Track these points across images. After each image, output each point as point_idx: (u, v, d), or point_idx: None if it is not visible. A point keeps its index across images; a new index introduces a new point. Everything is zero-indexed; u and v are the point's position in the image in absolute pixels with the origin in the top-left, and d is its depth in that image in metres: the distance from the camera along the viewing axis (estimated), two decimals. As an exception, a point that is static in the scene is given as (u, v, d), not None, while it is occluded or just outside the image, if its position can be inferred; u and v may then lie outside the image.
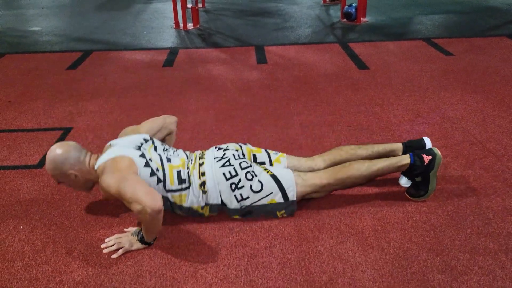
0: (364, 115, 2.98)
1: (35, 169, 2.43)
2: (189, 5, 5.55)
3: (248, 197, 1.92)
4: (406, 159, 2.01)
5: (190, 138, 2.70)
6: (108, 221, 2.00)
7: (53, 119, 3.04)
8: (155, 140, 2.04)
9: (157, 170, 1.86)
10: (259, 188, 1.92)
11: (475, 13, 5.96)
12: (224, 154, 1.99)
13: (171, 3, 5.52)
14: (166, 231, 1.93)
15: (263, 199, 1.93)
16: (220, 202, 1.93)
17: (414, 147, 2.18)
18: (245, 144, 2.14)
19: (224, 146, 2.08)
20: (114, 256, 1.79)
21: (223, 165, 1.94)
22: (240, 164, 1.96)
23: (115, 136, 2.10)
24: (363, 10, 5.57)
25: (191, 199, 1.90)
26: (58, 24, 5.90)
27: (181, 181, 1.89)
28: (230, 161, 1.95)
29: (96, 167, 1.85)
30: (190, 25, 5.54)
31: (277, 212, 1.97)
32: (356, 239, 1.86)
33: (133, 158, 1.82)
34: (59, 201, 2.15)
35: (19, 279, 1.69)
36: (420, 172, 2.01)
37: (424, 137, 2.23)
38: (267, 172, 1.97)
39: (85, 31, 5.50)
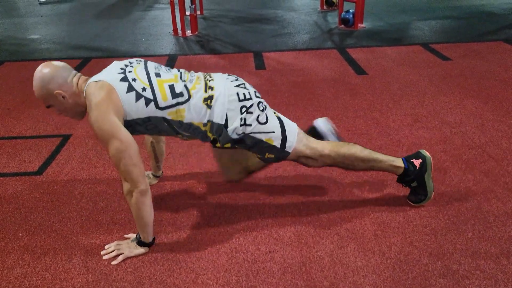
0: (363, 120, 2.98)
1: (34, 176, 2.43)
2: (188, 12, 5.57)
3: (250, 125, 1.82)
4: (400, 162, 2.00)
5: (189, 144, 2.70)
6: (108, 228, 2.00)
7: (52, 126, 3.04)
8: (149, 61, 1.88)
9: (144, 89, 1.72)
10: (265, 120, 1.85)
11: (471, 18, 5.99)
12: (238, 79, 1.91)
13: (170, 10, 5.54)
14: (166, 237, 1.92)
15: (263, 134, 1.84)
16: (224, 122, 1.79)
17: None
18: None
19: (234, 77, 1.95)
20: (114, 262, 1.78)
21: (238, 86, 1.85)
22: (255, 92, 1.88)
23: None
24: (361, 16, 5.60)
25: (191, 115, 1.76)
26: (57, 32, 5.91)
27: (175, 95, 1.75)
28: (245, 85, 1.88)
29: (84, 90, 1.73)
30: (188, 32, 5.56)
31: (266, 153, 1.90)
32: (357, 243, 1.85)
33: (112, 85, 1.68)
34: (59, 208, 2.14)
35: (18, 287, 1.68)
36: (414, 177, 2.00)
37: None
38: (275, 114, 1.93)
39: (84, 38, 5.51)
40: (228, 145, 1.86)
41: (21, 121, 3.14)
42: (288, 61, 4.35)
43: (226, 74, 1.93)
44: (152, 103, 1.72)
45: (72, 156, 2.63)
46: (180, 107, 1.75)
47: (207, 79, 1.84)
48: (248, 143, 1.85)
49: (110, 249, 1.84)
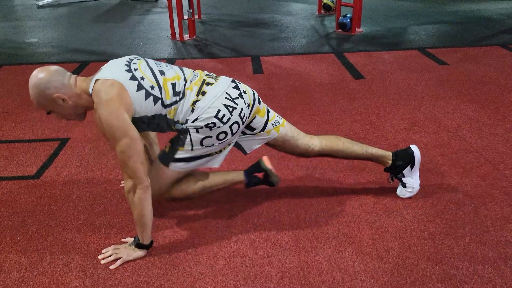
0: (361, 124, 2.99)
1: (32, 179, 2.42)
2: (185, 17, 5.58)
3: (198, 132, 1.80)
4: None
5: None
6: (105, 232, 1.99)
7: (50, 129, 3.04)
8: (147, 58, 1.89)
9: (152, 88, 1.74)
10: (207, 144, 1.84)
11: (468, 23, 6.02)
12: (237, 99, 1.84)
13: (168, 14, 5.55)
14: (164, 241, 1.92)
15: (189, 142, 1.83)
16: (188, 117, 1.79)
17: (401, 155, 2.13)
18: (259, 102, 1.99)
19: (242, 88, 1.91)
20: (112, 267, 1.78)
21: (226, 105, 1.80)
22: (236, 122, 1.83)
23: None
24: (358, 20, 5.62)
25: (180, 113, 1.79)
26: (55, 36, 5.91)
27: (175, 93, 1.78)
28: (234, 111, 1.82)
29: (90, 90, 1.71)
30: (186, 36, 5.57)
31: (175, 147, 1.88)
32: (355, 248, 1.85)
33: (123, 83, 1.69)
34: (56, 212, 2.14)
35: (15, 291, 1.68)
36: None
37: (411, 145, 2.16)
38: (223, 152, 1.93)
39: (82, 42, 5.51)
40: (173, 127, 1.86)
41: (19, 124, 3.13)
42: (286, 65, 4.36)
43: (231, 84, 1.89)
44: (160, 101, 1.76)
45: (69, 160, 2.62)
46: (176, 105, 1.79)
47: (207, 83, 1.84)
48: (180, 132, 1.84)
49: (107, 253, 1.83)
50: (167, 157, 1.88)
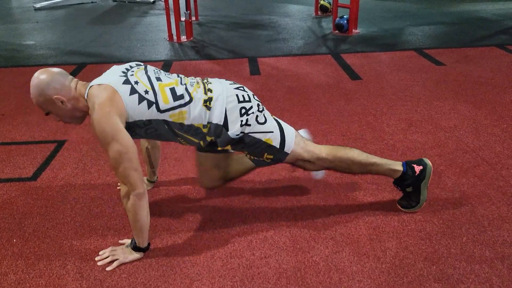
0: (358, 125, 2.99)
1: (29, 182, 2.42)
2: (183, 18, 5.58)
3: (250, 125, 1.84)
4: (399, 166, 2.00)
5: (184, 149, 2.69)
6: (102, 233, 1.99)
7: (47, 131, 3.03)
8: (148, 66, 1.91)
9: (146, 92, 1.73)
10: (263, 120, 1.88)
11: (465, 23, 6.03)
12: (236, 83, 1.94)
13: (165, 16, 5.55)
14: (161, 242, 1.92)
15: (263, 133, 1.87)
16: (222, 122, 1.80)
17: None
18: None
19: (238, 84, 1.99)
20: (108, 268, 1.77)
21: (237, 88, 1.89)
22: (253, 95, 1.92)
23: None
24: (355, 21, 5.63)
25: (193, 116, 1.78)
26: (52, 38, 5.91)
27: (177, 97, 1.77)
28: (244, 88, 1.92)
29: (86, 95, 1.73)
30: (183, 38, 5.57)
31: (265, 154, 1.92)
32: (352, 248, 1.85)
33: (115, 87, 1.69)
34: (53, 214, 2.13)
35: (12, 294, 1.67)
36: (411, 182, 2.00)
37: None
38: (273, 117, 1.96)
39: (79, 44, 5.51)
40: (228, 147, 1.89)
41: (16, 127, 3.13)
42: (283, 67, 4.36)
43: (223, 79, 1.96)
44: (154, 106, 1.74)
45: (66, 162, 2.62)
46: (183, 109, 1.77)
47: (206, 83, 1.88)
48: (247, 142, 1.87)
49: (104, 255, 1.83)
50: (276, 157, 1.93)
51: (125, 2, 8.49)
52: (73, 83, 1.78)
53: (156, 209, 2.13)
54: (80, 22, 6.95)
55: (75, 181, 2.41)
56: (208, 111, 1.79)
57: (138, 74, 1.79)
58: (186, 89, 1.81)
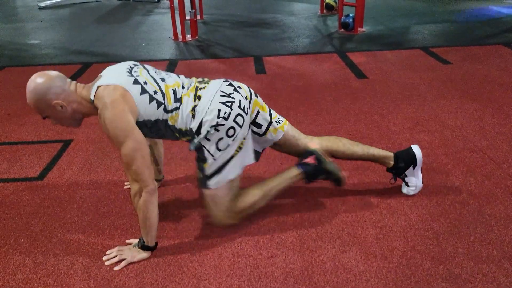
0: (364, 124, 2.99)
1: (35, 181, 2.43)
2: (188, 17, 5.58)
3: (210, 140, 1.80)
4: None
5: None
6: (109, 233, 1.99)
7: (53, 131, 3.04)
8: (145, 65, 1.90)
9: (155, 93, 1.76)
10: (224, 147, 1.82)
11: (471, 22, 6.00)
12: (232, 94, 1.84)
13: (170, 15, 5.55)
14: (168, 242, 1.92)
15: (210, 155, 1.83)
16: (195, 130, 1.79)
17: (403, 156, 2.13)
18: (256, 96, 1.97)
19: (236, 84, 1.91)
20: (116, 268, 1.78)
21: (224, 102, 1.80)
22: (238, 114, 1.81)
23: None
24: (360, 20, 5.61)
25: (181, 120, 1.80)
26: (57, 37, 5.92)
27: (176, 99, 1.80)
28: (233, 104, 1.81)
29: (92, 97, 1.71)
30: (188, 37, 5.57)
31: (202, 164, 1.88)
32: (359, 248, 1.85)
33: (126, 87, 1.70)
34: (60, 213, 2.14)
35: (20, 293, 1.68)
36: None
37: (412, 145, 2.15)
38: (238, 152, 1.88)
39: (84, 43, 5.52)
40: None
41: (22, 126, 3.14)
42: (289, 66, 4.36)
43: (224, 83, 1.90)
44: (162, 106, 1.77)
45: (73, 161, 2.63)
46: (177, 112, 1.80)
47: (199, 88, 1.86)
48: (199, 152, 1.85)
49: (112, 254, 1.83)
50: (202, 180, 1.89)
51: (129, 0, 8.50)
52: (72, 86, 1.76)
53: (163, 208, 2.13)
54: (84, 21, 6.96)
55: (82, 181, 2.42)
56: (193, 119, 1.80)
57: (143, 74, 1.81)
58: (182, 92, 1.84)
